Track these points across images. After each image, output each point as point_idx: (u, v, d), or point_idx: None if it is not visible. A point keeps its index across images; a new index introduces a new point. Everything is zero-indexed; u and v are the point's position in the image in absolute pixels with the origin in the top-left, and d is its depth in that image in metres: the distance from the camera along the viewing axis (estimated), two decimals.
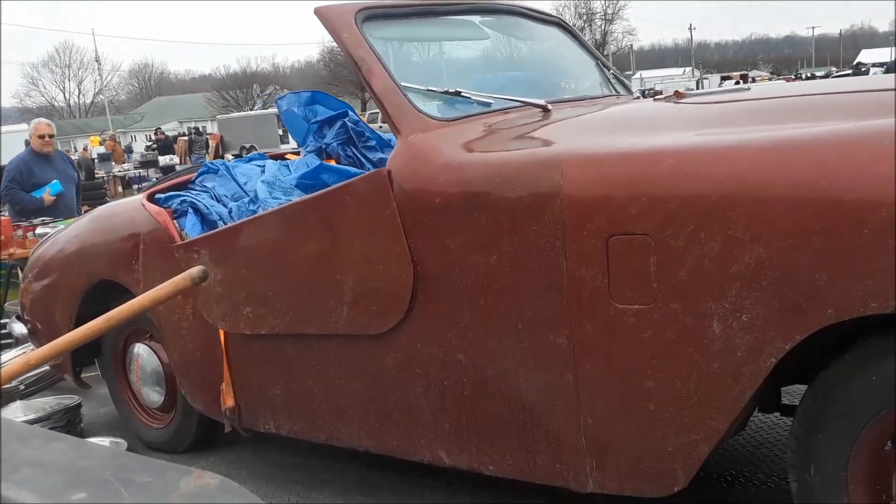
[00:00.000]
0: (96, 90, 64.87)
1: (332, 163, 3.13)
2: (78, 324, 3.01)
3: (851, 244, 1.58)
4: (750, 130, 1.88)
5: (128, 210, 3.25)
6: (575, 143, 2.08)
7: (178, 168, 18.11)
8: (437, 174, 2.17)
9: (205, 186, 3.22)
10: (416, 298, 2.23)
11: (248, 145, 27.37)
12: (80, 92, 69.31)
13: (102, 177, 16.33)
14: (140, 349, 3.31)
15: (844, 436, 1.73)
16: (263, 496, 2.74)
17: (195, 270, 2.22)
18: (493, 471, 2.23)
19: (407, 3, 2.76)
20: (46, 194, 5.53)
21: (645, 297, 1.85)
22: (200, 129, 31.25)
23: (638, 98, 2.97)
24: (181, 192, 3.17)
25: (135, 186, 17.93)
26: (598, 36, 56.03)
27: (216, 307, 2.79)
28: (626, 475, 1.99)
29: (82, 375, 3.64)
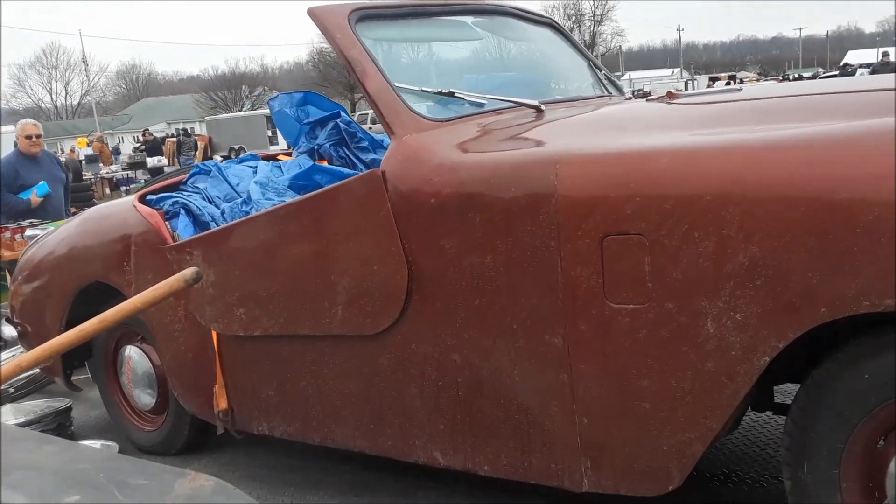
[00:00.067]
0: (83, 91, 64.53)
1: (325, 164, 3.13)
2: (69, 326, 2.99)
3: (844, 243, 1.60)
4: (743, 130, 1.89)
5: (119, 212, 3.23)
6: (569, 144, 2.09)
7: (166, 170, 18.03)
8: (432, 175, 2.17)
9: (197, 188, 3.21)
10: (411, 299, 2.23)
11: (236, 146, 27.31)
12: (67, 93, 68.98)
13: (90, 178, 16.21)
14: (131, 351, 3.30)
15: (837, 434, 1.75)
16: (257, 498, 2.73)
17: (188, 272, 2.21)
18: (488, 471, 2.24)
19: (400, 4, 2.76)
20: (33, 195, 5.48)
21: (640, 297, 1.86)
22: (189, 131, 31.13)
23: (630, 99, 2.98)
24: (173, 194, 3.16)
25: (123, 188, 17.84)
26: (587, 37, 56.19)
27: (209, 309, 2.78)
28: (621, 474, 1.99)
29: (73, 378, 3.61)
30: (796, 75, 34.68)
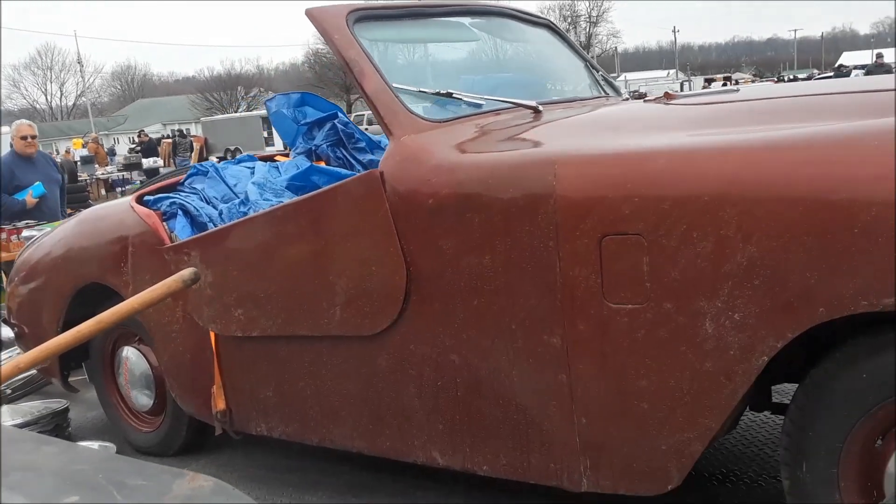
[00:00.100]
0: (78, 92, 64.46)
1: (322, 164, 3.13)
2: (65, 327, 2.98)
3: (842, 243, 1.60)
4: (741, 131, 1.90)
5: (116, 212, 3.23)
6: (567, 144, 2.09)
7: (161, 171, 17.99)
8: (430, 175, 2.18)
9: (194, 188, 3.20)
10: (409, 299, 2.23)
11: (232, 147, 27.27)
12: (62, 94, 68.85)
13: (85, 180, 16.19)
14: (129, 352, 3.29)
15: (835, 433, 1.75)
16: (255, 499, 2.72)
17: (187, 272, 2.21)
18: (486, 471, 2.24)
19: (398, 5, 2.77)
20: (29, 196, 5.46)
21: (638, 297, 1.87)
22: (184, 132, 31.06)
23: (627, 100, 2.99)
24: (170, 195, 3.15)
25: (118, 189, 17.80)
26: (582, 38, 56.31)
27: (207, 309, 2.77)
28: (620, 474, 2.00)
29: (70, 379, 3.61)
30: (791, 76, 34.77)
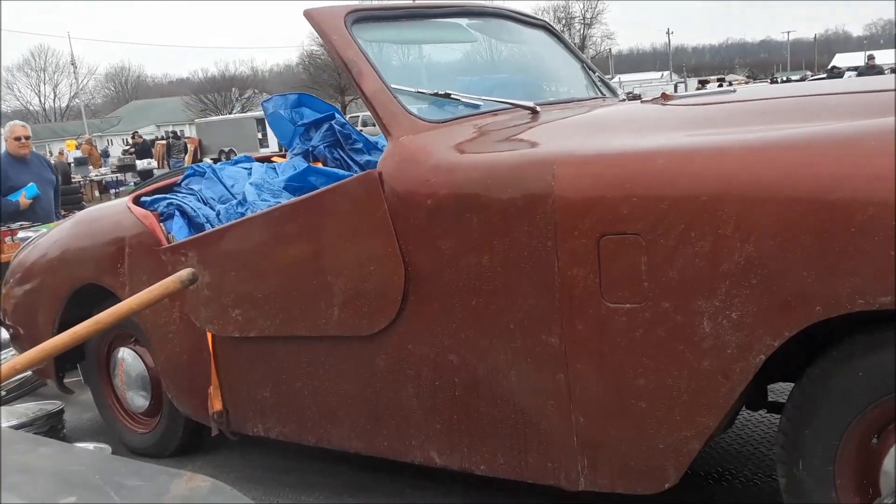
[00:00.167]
0: (72, 94, 64.24)
1: (319, 165, 3.13)
2: (61, 329, 2.97)
3: (839, 243, 1.61)
4: (738, 131, 1.91)
5: (113, 213, 3.22)
6: (566, 145, 2.10)
7: (156, 172, 17.95)
8: (429, 176, 2.18)
9: (191, 189, 3.20)
10: (408, 299, 2.24)
11: (226, 149, 27.24)
12: (55, 96, 68.63)
13: (79, 181, 16.13)
14: (125, 353, 3.29)
15: (832, 431, 1.76)
16: (252, 499, 2.72)
17: (185, 273, 2.21)
18: (484, 470, 2.24)
19: (396, 6, 2.77)
20: (22, 197, 5.44)
21: (636, 296, 1.87)
22: (178, 133, 30.99)
23: (624, 101, 3.00)
24: (167, 195, 3.15)
25: (112, 191, 17.74)
26: (576, 40, 56.41)
27: (204, 310, 2.77)
28: (618, 473, 2.00)
29: (65, 381, 3.59)
30: (784, 78, 34.89)
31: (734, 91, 2.60)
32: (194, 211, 3.00)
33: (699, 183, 1.78)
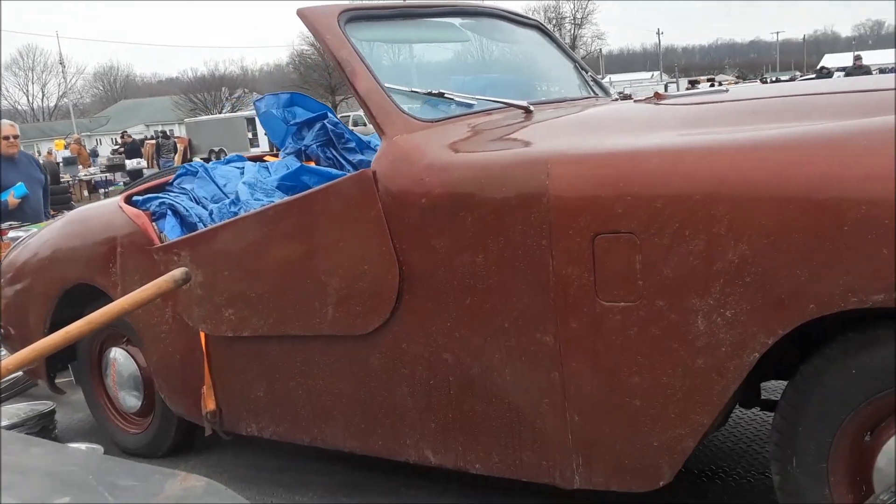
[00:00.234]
0: (60, 93, 63.87)
1: (312, 164, 3.12)
2: (53, 328, 2.96)
3: (832, 241, 1.62)
4: (731, 130, 1.92)
5: (104, 213, 3.21)
6: (560, 144, 2.11)
7: (145, 172, 17.87)
8: (423, 175, 2.18)
9: (183, 188, 3.19)
10: (402, 298, 2.24)
11: (216, 149, 27.12)
12: (43, 95, 68.26)
13: (68, 181, 16.04)
14: (117, 353, 3.27)
15: (825, 428, 1.77)
16: (247, 499, 2.71)
17: (178, 272, 2.20)
18: (479, 469, 2.25)
19: (389, 6, 2.77)
20: (10, 197, 5.40)
21: (631, 295, 1.88)
22: (168, 133, 30.86)
23: (616, 100, 3.01)
24: (159, 195, 3.14)
25: (101, 190, 17.66)
26: (567, 40, 56.51)
27: (197, 310, 2.76)
28: (613, 471, 2.01)
29: (56, 381, 3.58)
30: (774, 78, 35.10)
31: (726, 91, 2.62)
32: (187, 210, 3.00)
33: (693, 182, 1.79)
